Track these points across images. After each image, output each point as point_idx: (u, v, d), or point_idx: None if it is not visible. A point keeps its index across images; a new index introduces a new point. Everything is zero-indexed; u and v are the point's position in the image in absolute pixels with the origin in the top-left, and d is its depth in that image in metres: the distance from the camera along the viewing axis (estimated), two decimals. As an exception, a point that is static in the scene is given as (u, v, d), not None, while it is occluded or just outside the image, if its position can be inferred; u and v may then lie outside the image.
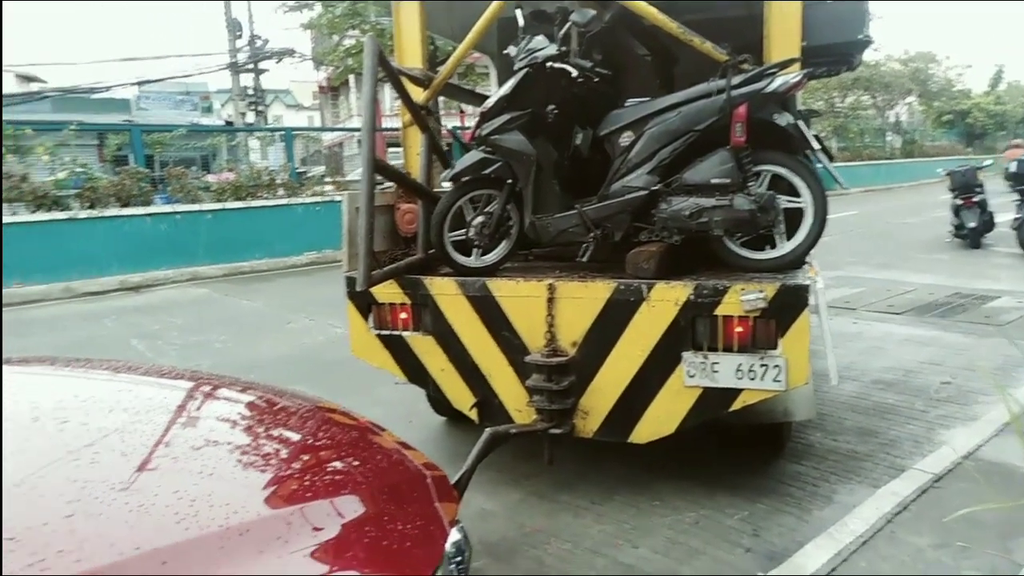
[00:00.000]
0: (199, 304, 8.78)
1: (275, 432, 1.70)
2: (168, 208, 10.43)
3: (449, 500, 1.55)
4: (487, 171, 3.31)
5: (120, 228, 9.83)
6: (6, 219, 9.13)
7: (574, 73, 3.12)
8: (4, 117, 10.05)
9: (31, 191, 9.26)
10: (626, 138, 3.17)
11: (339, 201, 11.57)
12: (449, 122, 9.34)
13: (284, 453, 1.57)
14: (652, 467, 3.44)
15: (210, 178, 11.77)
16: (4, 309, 8.57)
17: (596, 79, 3.26)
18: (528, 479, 3.42)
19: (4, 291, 8.80)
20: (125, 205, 9.95)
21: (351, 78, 24.92)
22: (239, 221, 10.90)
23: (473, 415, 3.32)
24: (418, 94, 3.69)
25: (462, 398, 3.33)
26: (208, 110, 28.72)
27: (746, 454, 3.55)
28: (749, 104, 2.91)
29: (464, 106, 10.47)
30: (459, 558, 1.41)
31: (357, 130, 19.43)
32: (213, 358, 6.03)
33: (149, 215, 10.14)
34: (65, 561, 0.96)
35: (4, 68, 28.13)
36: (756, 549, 2.76)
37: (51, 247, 9.23)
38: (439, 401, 3.87)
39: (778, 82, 2.93)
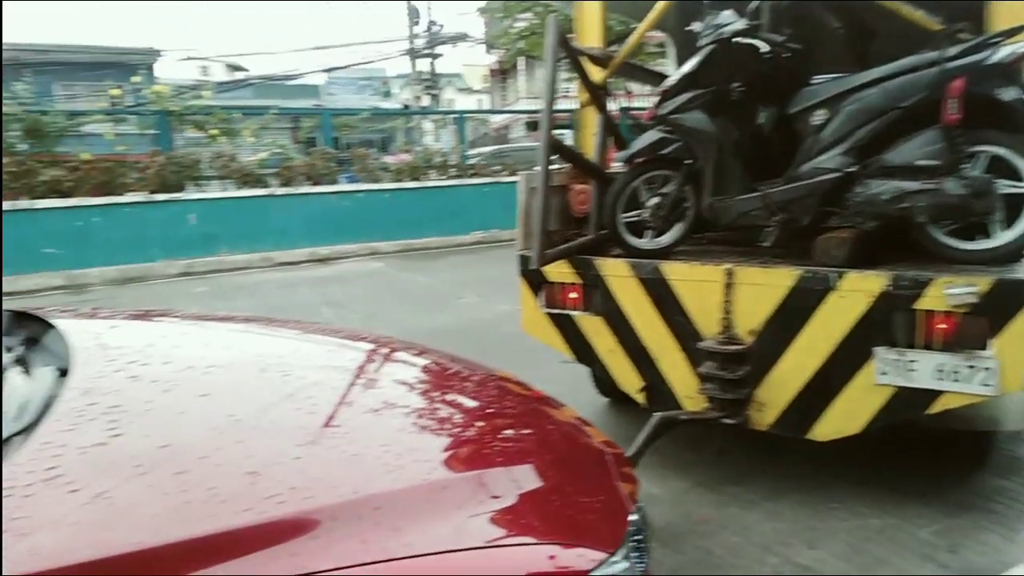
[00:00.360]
0: (376, 277, 9.38)
1: (457, 398, 1.78)
2: (351, 187, 11.19)
3: (629, 479, 1.55)
4: (665, 151, 3.25)
5: (310, 204, 10.69)
6: (220, 193, 10.25)
7: (763, 48, 2.96)
8: (215, 102, 11.23)
9: (238, 169, 10.31)
10: (819, 116, 2.97)
11: (506, 182, 11.79)
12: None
13: (468, 419, 1.64)
14: (830, 467, 3.24)
15: (388, 159, 12.48)
16: (218, 274, 9.66)
17: (785, 54, 3.08)
18: (694, 468, 3.35)
19: (216, 258, 9.91)
20: (315, 183, 10.80)
21: (520, 61, 25.34)
22: (413, 200, 11.48)
23: (640, 399, 3.30)
24: (594, 74, 3.68)
25: (629, 381, 3.31)
26: (387, 94, 30.43)
27: (941, 462, 3.25)
28: (967, 77, 2.62)
29: (630, 86, 10.34)
30: (639, 537, 1.41)
31: (525, 112, 19.79)
32: (390, 328, 6.43)
33: (335, 193, 10.94)
34: (296, 497, 1.08)
35: (216, 58, 31.44)
36: (952, 567, 2.52)
37: (254, 220, 10.23)
38: (604, 382, 3.88)
39: (1004, 52, 2.61)
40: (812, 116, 3.00)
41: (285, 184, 10.65)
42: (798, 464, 3.30)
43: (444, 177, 11.87)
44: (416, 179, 11.54)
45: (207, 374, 1.52)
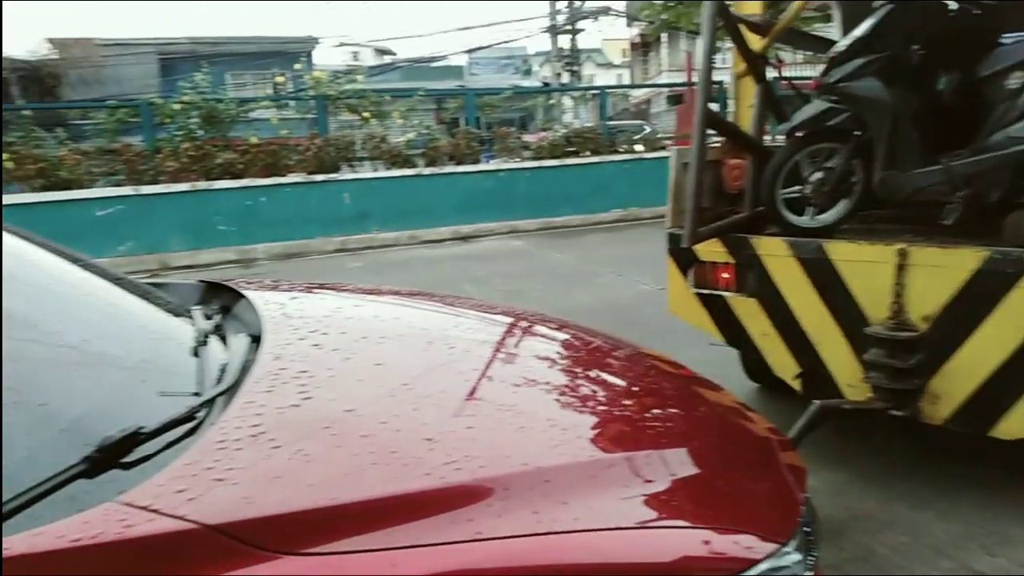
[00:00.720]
0: (517, 255, 9.52)
1: (613, 377, 1.77)
2: (493, 166, 11.39)
3: (797, 467, 1.49)
4: (832, 122, 3.04)
5: (454, 183, 11.00)
6: (371, 174, 10.77)
7: (952, 6, 2.69)
8: (363, 86, 11.74)
9: (388, 150, 10.78)
10: (1016, 79, 2.66)
11: (648, 159, 11.53)
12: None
13: (629, 398, 1.63)
14: (1012, 469, 2.94)
15: (528, 137, 12.56)
16: (369, 251, 10.21)
17: (976, 12, 2.78)
18: (854, 460, 3.15)
19: (368, 236, 10.46)
20: (459, 163, 11.09)
21: (663, 33, 24.57)
22: (553, 178, 11.51)
23: (796, 385, 3.15)
24: (753, 42, 3.50)
25: (785, 366, 3.16)
26: (527, 73, 30.62)
27: None
28: None
29: (780, 55, 9.68)
30: (808, 530, 1.35)
31: (667, 85, 19.22)
32: (530, 305, 6.50)
33: (477, 172, 11.19)
34: (471, 465, 1.12)
35: (366, 43, 32.93)
36: None
37: (401, 199, 10.68)
38: (755, 366, 3.74)
39: None
40: (1008, 79, 2.69)
41: (430, 164, 11.02)
42: (972, 463, 3.03)
43: (585, 154, 11.80)
44: (556, 157, 11.55)
45: (380, 344, 1.61)
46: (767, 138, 3.77)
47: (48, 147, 9.37)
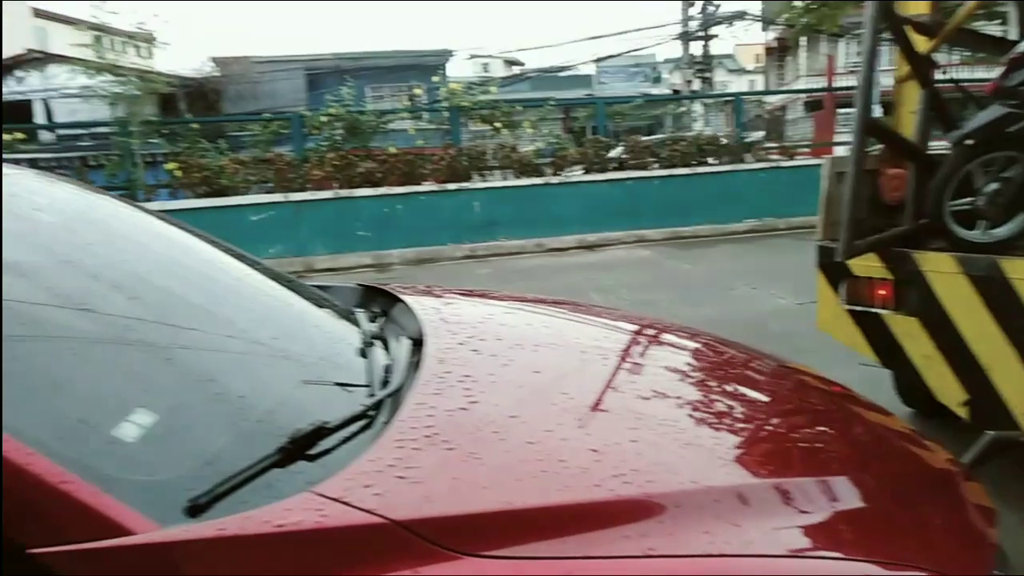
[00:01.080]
0: (645, 265, 9.38)
1: (764, 393, 1.70)
2: (621, 174, 11.30)
3: (986, 507, 1.36)
4: (1011, 129, 2.79)
5: (581, 192, 11.01)
6: (500, 182, 10.98)
7: None
8: (495, 97, 11.98)
9: (518, 159, 10.96)
10: None
11: (784, 167, 11.06)
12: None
13: (793, 418, 1.56)
14: None
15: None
16: (497, 258, 10.41)
17: None
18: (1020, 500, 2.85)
19: (495, 243, 10.67)
20: (587, 171, 11.09)
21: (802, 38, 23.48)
22: (683, 187, 11.27)
23: (963, 413, 2.90)
24: (919, 44, 3.27)
25: (949, 392, 2.92)
26: (657, 80, 30.17)
27: None
28: None
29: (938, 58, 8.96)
30: (1000, 573, 1.24)
31: (804, 91, 18.39)
32: (661, 317, 6.40)
33: (605, 181, 11.14)
34: (640, 479, 1.11)
35: (496, 55, 33.67)
36: None
37: (529, 207, 10.82)
38: (912, 390, 3.48)
39: None
40: None
41: (558, 172, 11.09)
42: None
43: (717, 162, 11.47)
44: (687, 165, 11.30)
45: (535, 352, 1.63)
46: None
47: (210, 157, 10.23)
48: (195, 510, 0.96)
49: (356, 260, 10.24)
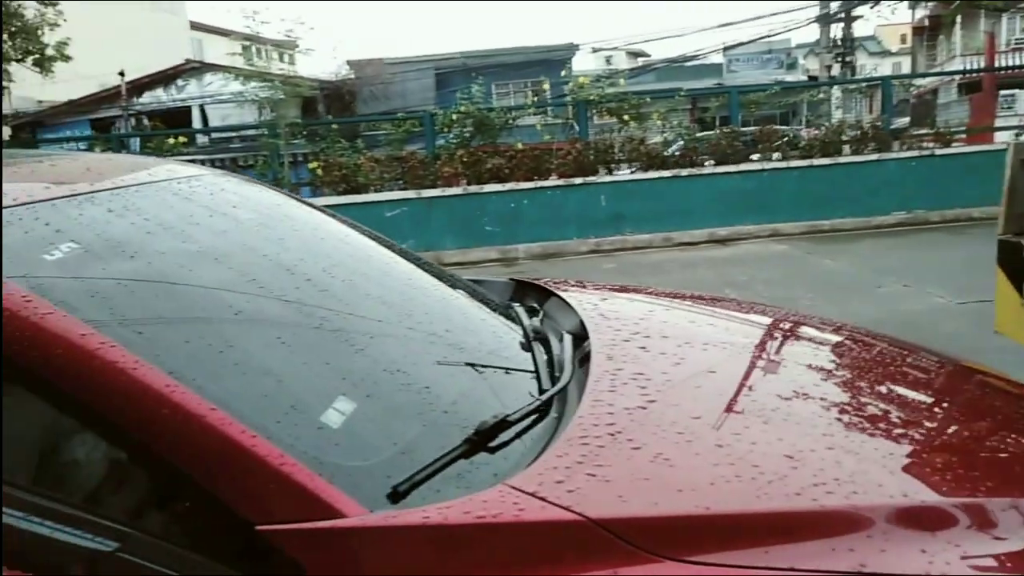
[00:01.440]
0: (781, 260, 8.95)
1: (951, 398, 1.56)
2: (755, 166, 10.83)
3: None
4: None
5: (713, 184, 10.65)
6: (627, 176, 10.82)
7: None
8: (620, 89, 11.79)
9: (645, 152, 10.75)
10: None
11: (939, 155, 10.25)
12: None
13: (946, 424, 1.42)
14: None
15: (803, 133, 11.74)
16: (622, 253, 10.28)
17: None
18: None
19: (621, 238, 10.54)
20: (720, 163, 10.71)
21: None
22: (823, 177, 10.65)
23: None
24: None
25: None
26: (792, 66, 28.69)
27: None
28: None
29: None
30: None
31: (960, 73, 16.88)
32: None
33: (738, 172, 10.71)
34: (843, 490, 1.04)
35: (620, 47, 33.23)
36: None
37: (656, 201, 10.58)
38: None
39: None
40: None
41: (688, 165, 10.78)
42: None
43: (862, 151, 10.76)
44: (828, 155, 10.67)
45: (705, 351, 1.58)
46: None
47: (348, 156, 10.73)
48: (395, 496, 0.99)
49: (483, 254, 10.42)
